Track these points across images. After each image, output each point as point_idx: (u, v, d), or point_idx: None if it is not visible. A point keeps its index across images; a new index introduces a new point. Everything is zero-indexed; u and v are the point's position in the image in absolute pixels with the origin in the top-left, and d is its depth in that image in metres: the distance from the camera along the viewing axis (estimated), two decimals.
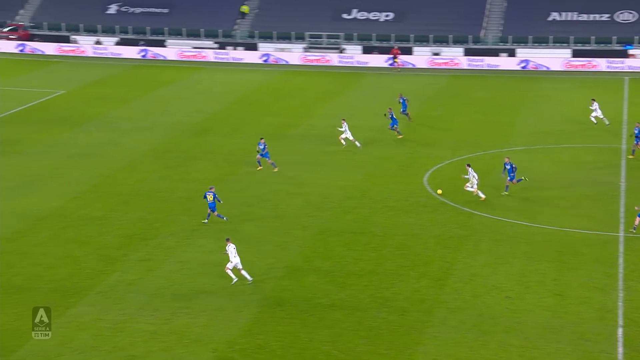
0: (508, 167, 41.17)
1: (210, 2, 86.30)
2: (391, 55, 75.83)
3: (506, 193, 41.43)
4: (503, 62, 75.74)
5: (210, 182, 43.63)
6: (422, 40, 79.63)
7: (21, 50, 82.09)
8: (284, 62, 77.98)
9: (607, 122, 53.58)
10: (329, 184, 43.43)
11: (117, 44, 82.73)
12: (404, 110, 55.34)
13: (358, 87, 67.61)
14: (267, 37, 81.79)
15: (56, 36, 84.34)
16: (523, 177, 41.79)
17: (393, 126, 51.96)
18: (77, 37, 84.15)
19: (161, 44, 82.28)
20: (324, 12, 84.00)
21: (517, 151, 49.57)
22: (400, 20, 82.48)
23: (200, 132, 53.66)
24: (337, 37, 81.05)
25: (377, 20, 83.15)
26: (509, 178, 41.22)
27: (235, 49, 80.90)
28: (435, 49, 78.65)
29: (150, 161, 47.53)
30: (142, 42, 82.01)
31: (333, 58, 77.75)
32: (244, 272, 32.04)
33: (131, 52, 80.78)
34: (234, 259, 31.77)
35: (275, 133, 53.24)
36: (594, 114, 53.71)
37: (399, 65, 75.29)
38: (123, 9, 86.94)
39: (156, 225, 37.67)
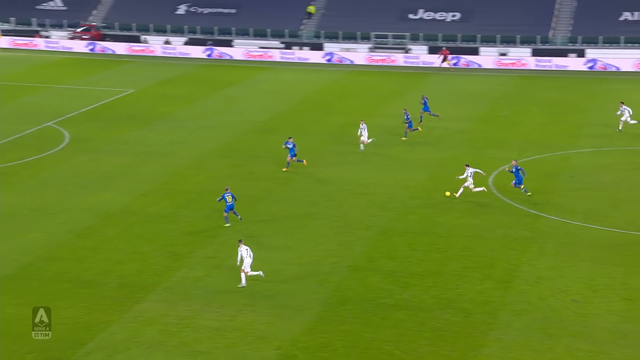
0: (514, 170, 40.54)
1: (277, 3, 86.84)
2: (441, 56, 75.17)
3: (529, 194, 40.59)
4: (572, 63, 74.53)
5: (275, 181, 43.92)
6: (489, 41, 78.84)
7: (91, 50, 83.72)
8: (349, 62, 78.01)
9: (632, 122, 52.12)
10: (393, 184, 43.30)
11: (186, 43, 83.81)
12: (425, 110, 54.57)
13: (423, 88, 67.27)
14: (332, 37, 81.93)
15: (127, 36, 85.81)
16: (525, 189, 40.80)
17: (411, 127, 51.63)
18: (147, 37, 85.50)
19: (228, 43, 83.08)
20: (390, 12, 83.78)
21: (585, 153, 48.74)
22: (467, 21, 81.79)
23: (265, 132, 54.03)
24: (402, 37, 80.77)
25: (443, 20, 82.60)
26: (514, 182, 40.61)
27: (301, 49, 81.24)
28: (502, 49, 77.79)
29: (216, 159, 48.02)
30: (209, 42, 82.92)
31: (398, 58, 77.51)
32: (250, 274, 31.49)
33: (199, 51, 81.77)
34: (247, 261, 31.38)
35: (339, 133, 53.30)
36: (623, 117, 52.23)
37: (450, 65, 74.56)
38: (192, 9, 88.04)
39: (222, 223, 38.04)
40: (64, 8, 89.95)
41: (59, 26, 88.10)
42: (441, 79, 71.13)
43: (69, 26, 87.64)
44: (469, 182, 40.63)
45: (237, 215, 37.78)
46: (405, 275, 32.83)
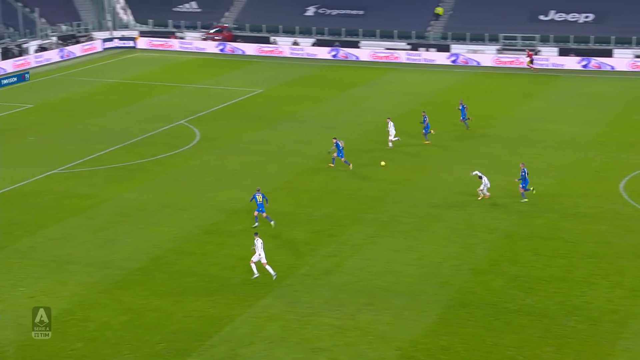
0: (523, 173, 39.94)
1: (405, 4, 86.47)
2: (529, 57, 73.90)
3: (526, 200, 40.03)
4: None
5: (397, 182, 43.72)
6: (624, 42, 76.11)
7: (221, 50, 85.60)
8: (476, 64, 76.88)
9: None
10: (517, 188, 42.37)
11: (314, 44, 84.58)
12: (463, 118, 53.08)
13: (552, 90, 65.57)
14: (459, 39, 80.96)
15: (257, 37, 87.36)
16: (532, 188, 39.93)
17: (426, 132, 50.80)
18: (276, 38, 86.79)
19: (355, 45, 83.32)
20: (520, 13, 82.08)
21: None
22: (601, 22, 79.22)
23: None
24: (532, 38, 78.98)
25: (575, 21, 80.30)
26: (521, 185, 40.16)
27: (427, 50, 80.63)
28: (638, 51, 74.97)
29: (339, 159, 48.23)
30: (337, 43, 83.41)
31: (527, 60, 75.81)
32: (268, 267, 32.33)
33: (325, 52, 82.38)
34: (260, 253, 32.21)
35: (465, 135, 52.57)
36: None
37: (532, 67, 72.97)
38: (320, 10, 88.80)
39: (344, 222, 38.18)
40: (199, 10, 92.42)
41: (193, 27, 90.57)
42: (571, 81, 69.15)
43: (203, 27, 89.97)
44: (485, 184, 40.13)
45: (270, 220, 37.86)
46: (529, 280, 32.07)
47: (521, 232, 36.81)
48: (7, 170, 46.34)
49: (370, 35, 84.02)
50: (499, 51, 78.92)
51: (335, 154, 45.97)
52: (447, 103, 61.99)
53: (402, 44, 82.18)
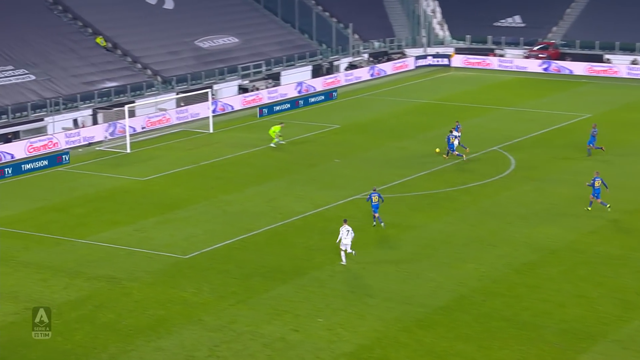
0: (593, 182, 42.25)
1: None
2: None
3: (589, 209, 41.67)
4: None
5: None
6: None
7: (545, 69, 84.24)
8: None
9: None
10: None
11: None
12: (590, 142, 52.10)
13: None
14: None
15: (587, 55, 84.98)
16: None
17: (450, 149, 53.62)
18: (611, 56, 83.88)
19: None
20: None
21: None
22: None
23: None
24: None
25: None
26: (594, 194, 42.29)
27: None
28: None
29: None
30: None
31: None
32: (346, 252, 37.16)
33: None
34: (346, 240, 36.97)
35: None
36: None
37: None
38: None
39: None
40: (522, 25, 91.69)
41: (514, 44, 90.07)
42: None
43: (526, 44, 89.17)
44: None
45: (380, 222, 41.69)
46: None
47: None
48: (310, 192, 48.78)
49: None
50: None
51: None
52: None
53: None
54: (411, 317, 33.16)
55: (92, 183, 51.68)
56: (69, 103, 64.47)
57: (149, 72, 72.35)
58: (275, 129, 58.97)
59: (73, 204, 47.80)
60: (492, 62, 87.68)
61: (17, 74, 65.00)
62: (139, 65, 72.79)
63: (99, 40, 72.36)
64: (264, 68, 78.90)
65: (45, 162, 55.47)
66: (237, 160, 55.81)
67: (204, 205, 47.04)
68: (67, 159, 56.34)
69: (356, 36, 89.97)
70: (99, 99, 66.43)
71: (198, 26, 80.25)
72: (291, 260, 39.04)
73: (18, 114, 61.81)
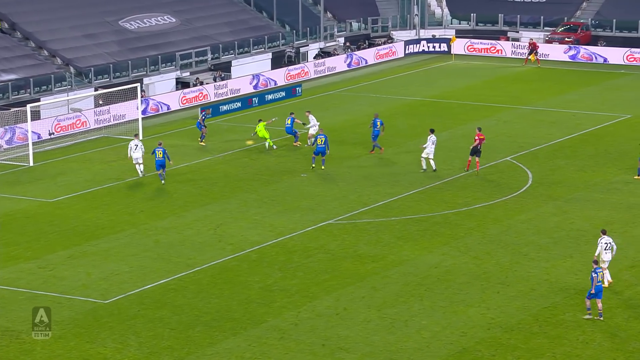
0: None
1: None
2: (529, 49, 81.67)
3: None
4: None
5: None
6: None
7: (572, 57, 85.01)
8: None
9: None
10: None
11: None
12: None
13: None
14: None
15: (627, 38, 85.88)
16: None
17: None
18: None
19: None
20: None
21: None
22: None
23: None
24: None
25: None
26: None
27: None
28: None
29: None
30: None
31: None
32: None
33: None
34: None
35: None
36: None
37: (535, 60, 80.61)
38: None
39: None
40: (543, 0, 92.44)
41: (532, 25, 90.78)
42: None
43: (547, 25, 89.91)
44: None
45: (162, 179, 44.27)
46: None
47: None
48: (269, 217, 48.89)
49: None
50: None
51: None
52: None
53: None
54: None
55: None
56: None
57: (58, 61, 72.39)
58: (261, 125, 59.53)
59: None
60: (504, 48, 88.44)
61: None
62: (45, 53, 72.81)
63: None
64: (209, 56, 79.17)
65: None
66: (174, 176, 55.82)
67: (130, 234, 47.08)
68: None
69: (329, 15, 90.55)
70: None
71: (123, 2, 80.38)
72: (243, 304, 39.14)
73: None
